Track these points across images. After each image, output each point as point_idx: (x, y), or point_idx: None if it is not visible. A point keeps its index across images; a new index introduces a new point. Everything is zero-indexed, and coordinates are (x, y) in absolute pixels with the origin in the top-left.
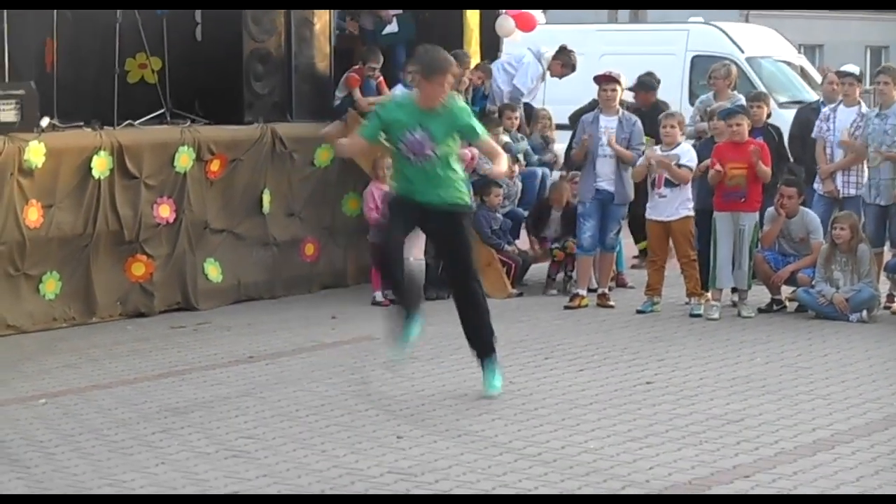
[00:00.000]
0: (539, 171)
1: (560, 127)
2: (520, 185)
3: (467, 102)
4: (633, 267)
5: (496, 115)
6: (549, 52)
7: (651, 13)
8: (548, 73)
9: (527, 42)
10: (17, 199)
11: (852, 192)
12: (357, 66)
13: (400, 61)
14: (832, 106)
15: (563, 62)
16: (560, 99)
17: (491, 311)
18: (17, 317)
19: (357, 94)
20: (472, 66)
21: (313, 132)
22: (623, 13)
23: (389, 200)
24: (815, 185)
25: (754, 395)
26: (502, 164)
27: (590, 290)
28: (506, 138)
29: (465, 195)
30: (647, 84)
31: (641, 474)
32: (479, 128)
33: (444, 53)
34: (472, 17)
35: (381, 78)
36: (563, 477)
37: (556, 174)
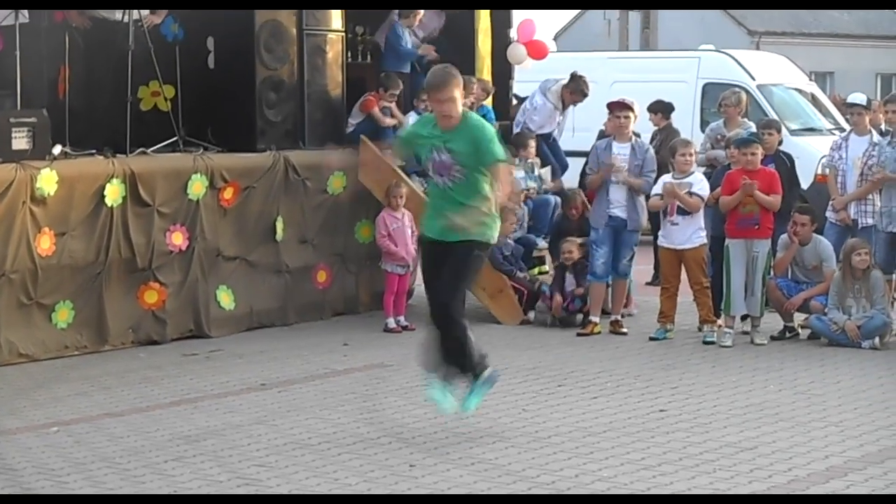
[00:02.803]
0: (552, 198)
1: (574, 154)
2: (525, 209)
3: None
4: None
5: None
6: (560, 82)
7: (662, 40)
8: (561, 102)
9: (539, 70)
10: (29, 228)
11: (869, 221)
12: (374, 93)
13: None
14: (843, 135)
15: (572, 89)
16: (570, 126)
17: (503, 338)
18: (29, 345)
19: (377, 112)
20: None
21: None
22: (634, 41)
23: (421, 254)
24: (828, 213)
25: (767, 422)
26: (505, 191)
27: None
28: (520, 173)
29: (487, 230)
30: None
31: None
32: (500, 153)
33: (447, 68)
34: (484, 44)
35: (395, 106)
36: None
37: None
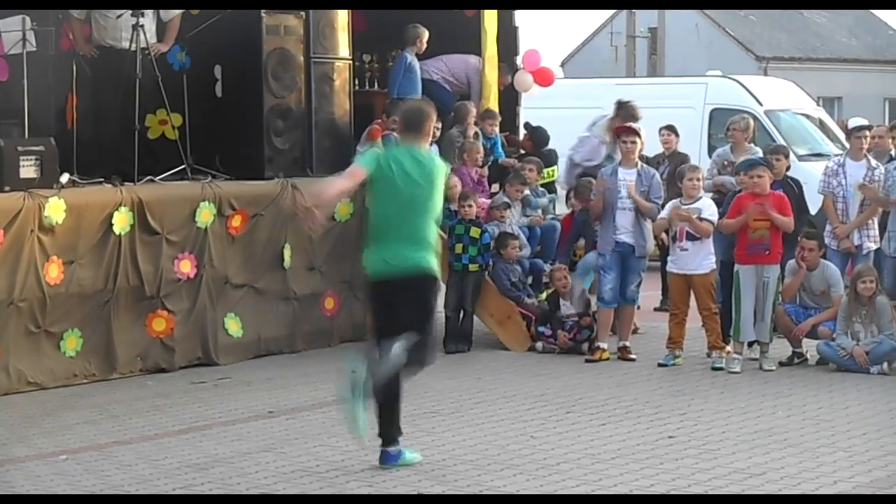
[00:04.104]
0: (559, 224)
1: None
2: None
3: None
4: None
5: (517, 168)
6: (606, 117)
7: (669, 66)
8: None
9: (546, 97)
10: (37, 256)
11: (871, 245)
12: (380, 120)
13: None
14: (838, 160)
15: (623, 118)
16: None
17: (511, 364)
18: (38, 373)
19: (379, 144)
20: (482, 114)
21: None
22: (641, 67)
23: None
24: (827, 240)
25: (776, 448)
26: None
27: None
28: (525, 191)
29: None
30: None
31: None
32: None
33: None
34: (491, 72)
35: None
36: None
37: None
